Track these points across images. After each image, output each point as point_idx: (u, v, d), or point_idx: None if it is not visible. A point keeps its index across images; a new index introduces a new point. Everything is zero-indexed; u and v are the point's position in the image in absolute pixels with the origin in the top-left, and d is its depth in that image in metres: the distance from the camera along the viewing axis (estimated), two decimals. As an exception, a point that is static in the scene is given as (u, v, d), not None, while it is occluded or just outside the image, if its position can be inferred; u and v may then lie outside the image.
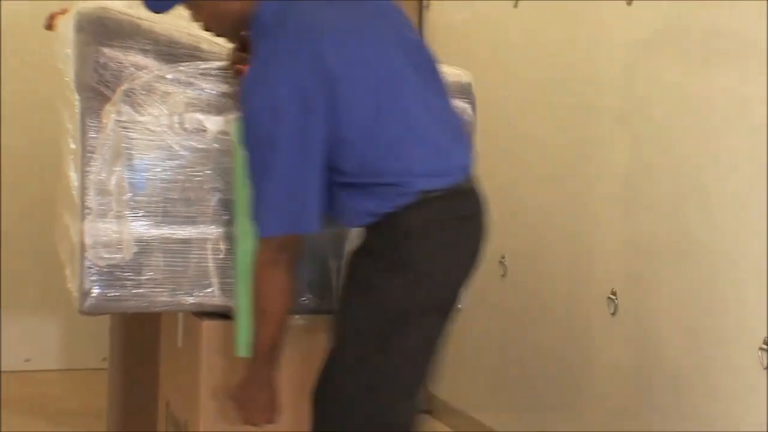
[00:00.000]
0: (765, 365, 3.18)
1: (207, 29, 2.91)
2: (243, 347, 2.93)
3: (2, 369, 5.12)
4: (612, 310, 3.80)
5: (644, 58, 3.71)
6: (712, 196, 3.41)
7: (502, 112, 4.28)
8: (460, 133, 2.86)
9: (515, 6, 4.32)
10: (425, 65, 2.83)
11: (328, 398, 2.78)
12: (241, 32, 2.85)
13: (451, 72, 3.30)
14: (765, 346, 3.19)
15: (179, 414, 3.27)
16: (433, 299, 2.74)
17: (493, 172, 4.23)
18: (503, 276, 4.40)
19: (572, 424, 4.02)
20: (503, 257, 4.39)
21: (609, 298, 3.81)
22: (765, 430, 3.13)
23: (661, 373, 3.61)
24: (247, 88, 2.70)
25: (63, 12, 3.38)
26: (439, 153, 2.73)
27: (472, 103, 3.32)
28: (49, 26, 3.52)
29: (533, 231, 4.26)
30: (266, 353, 2.80)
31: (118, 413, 3.99)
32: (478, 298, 3.94)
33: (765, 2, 3.13)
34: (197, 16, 2.88)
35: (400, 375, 2.77)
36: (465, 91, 3.31)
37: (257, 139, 2.66)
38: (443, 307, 2.79)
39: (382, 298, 2.71)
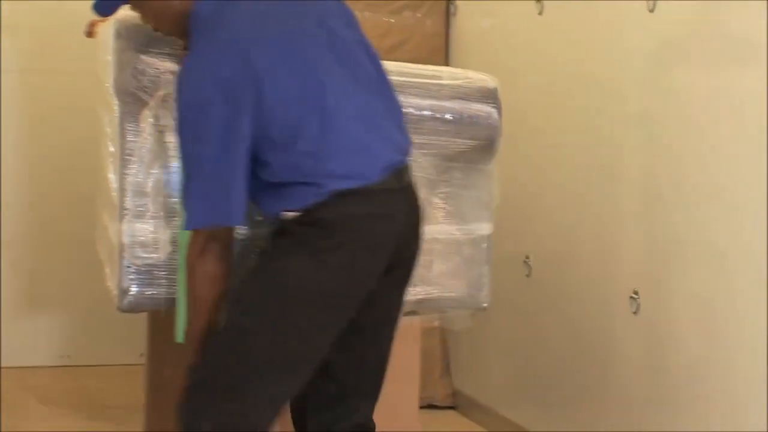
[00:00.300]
0: (784, 364, 3.17)
1: (156, 30, 2.91)
2: (180, 334, 2.96)
3: (41, 365, 5.13)
4: (634, 309, 3.79)
5: (666, 62, 3.69)
6: (732, 197, 3.39)
7: (527, 116, 4.27)
8: (390, 132, 2.80)
9: (540, 13, 4.31)
10: (359, 65, 2.79)
11: (201, 365, 2.77)
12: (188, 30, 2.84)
13: (477, 77, 3.30)
14: (784, 345, 3.18)
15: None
16: (333, 294, 2.70)
17: (517, 174, 4.24)
18: (528, 276, 4.39)
19: (595, 420, 4.00)
20: (528, 257, 4.38)
21: (631, 297, 3.80)
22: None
23: (681, 370, 3.59)
24: (178, 83, 2.71)
25: (103, 20, 3.38)
26: (360, 153, 2.70)
27: (498, 108, 3.31)
28: (89, 33, 3.51)
29: (557, 232, 4.24)
30: (199, 340, 2.78)
31: (155, 407, 3.99)
32: (504, 297, 3.94)
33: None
34: (144, 17, 2.89)
35: (281, 354, 2.71)
36: (491, 96, 3.30)
37: (186, 133, 2.67)
38: (344, 305, 2.73)
39: (281, 280, 2.69)
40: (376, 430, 2.93)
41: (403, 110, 2.94)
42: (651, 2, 3.69)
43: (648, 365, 3.75)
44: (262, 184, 2.69)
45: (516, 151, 3.90)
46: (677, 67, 3.65)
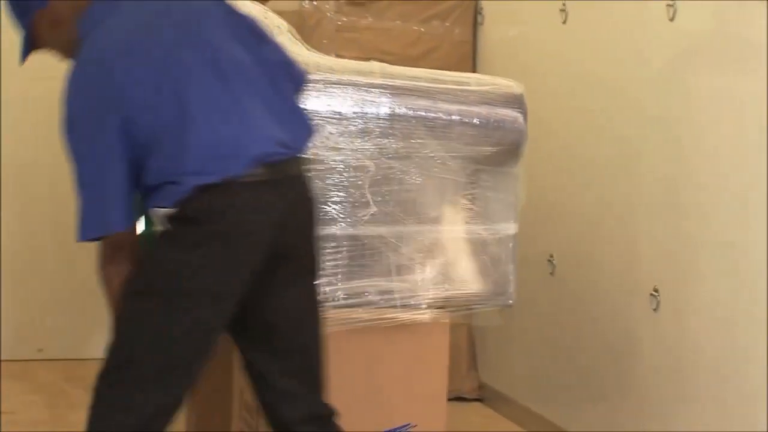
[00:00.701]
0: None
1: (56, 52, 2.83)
2: None
3: (85, 357, 5.12)
4: (654, 306, 3.77)
5: (685, 68, 3.68)
6: (749, 199, 3.38)
7: (552, 120, 4.26)
8: (266, 128, 2.71)
9: (564, 22, 4.30)
10: (235, 64, 2.71)
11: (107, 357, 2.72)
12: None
13: (503, 83, 3.30)
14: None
15: (253, 400, 3.27)
16: (204, 288, 2.64)
17: (542, 176, 4.23)
18: (551, 274, 4.38)
19: (615, 413, 3.99)
20: (552, 256, 4.37)
21: (651, 294, 3.78)
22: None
23: (699, 367, 3.57)
24: (61, 98, 2.69)
25: None
26: (222, 149, 2.64)
27: (524, 113, 3.31)
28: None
29: (580, 231, 4.24)
30: None
31: (197, 399, 4.00)
32: (528, 295, 3.93)
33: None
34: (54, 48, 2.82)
35: (159, 358, 2.66)
36: (517, 102, 3.30)
37: (67, 147, 2.66)
38: (218, 298, 2.66)
39: (155, 279, 2.65)
40: (408, 421, 2.93)
41: (433, 115, 2.95)
42: (671, 10, 3.68)
43: (667, 360, 3.73)
44: (146, 188, 2.67)
45: (541, 154, 3.90)
46: (696, 72, 3.64)
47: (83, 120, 2.63)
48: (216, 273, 2.64)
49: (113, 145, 2.62)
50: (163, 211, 2.63)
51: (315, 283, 2.83)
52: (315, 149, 3.05)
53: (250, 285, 2.68)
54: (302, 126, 2.81)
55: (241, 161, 2.64)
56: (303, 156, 2.77)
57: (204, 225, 2.62)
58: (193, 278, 2.63)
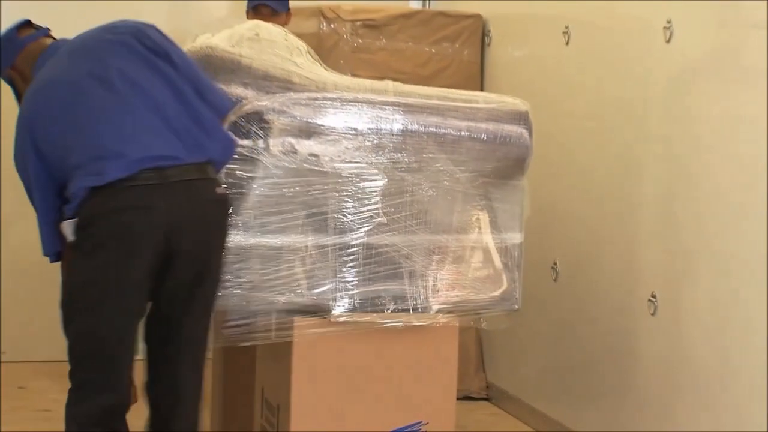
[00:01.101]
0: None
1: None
2: None
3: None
4: (652, 311, 3.78)
5: (681, 88, 3.69)
6: (744, 211, 3.38)
7: (555, 136, 4.26)
8: (161, 138, 2.84)
9: (567, 43, 4.31)
10: (136, 85, 2.85)
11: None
12: None
13: (509, 101, 3.30)
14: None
15: (273, 399, 3.30)
16: (103, 286, 2.81)
17: (547, 188, 4.24)
18: (555, 280, 4.38)
19: (614, 411, 3.99)
20: (555, 263, 4.38)
21: (649, 300, 3.79)
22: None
23: (696, 368, 3.57)
24: None
25: None
26: (109, 158, 2.78)
27: (529, 129, 3.30)
28: None
29: (582, 240, 4.24)
30: None
31: (221, 398, 4.01)
32: (533, 300, 3.94)
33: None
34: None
35: (78, 348, 2.87)
36: (522, 118, 3.29)
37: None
38: (118, 295, 2.82)
39: (72, 284, 2.88)
40: (420, 419, 2.96)
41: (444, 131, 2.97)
42: (668, 33, 3.69)
43: (664, 361, 3.73)
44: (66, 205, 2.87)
45: (545, 167, 3.90)
46: (692, 91, 3.64)
47: (18, 153, 2.88)
48: (109, 272, 2.80)
49: (38, 174, 2.84)
50: (67, 222, 2.80)
51: (207, 291, 2.95)
52: (333, 163, 3.08)
53: (152, 280, 2.84)
54: (210, 139, 2.91)
55: (123, 165, 2.77)
56: (203, 164, 2.88)
57: (94, 228, 2.78)
58: (100, 281, 2.80)
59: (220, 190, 2.93)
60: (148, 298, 2.88)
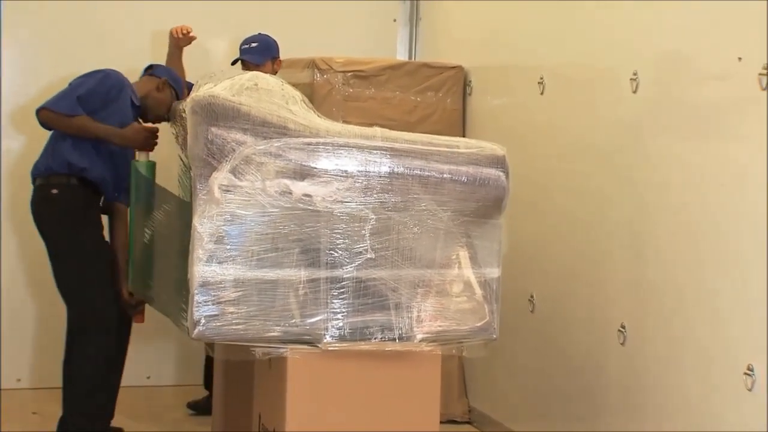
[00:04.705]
0: (749, 387, 3.15)
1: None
2: None
3: (127, 384, 5.09)
4: (621, 340, 3.77)
5: (645, 134, 3.71)
6: (702, 246, 3.39)
7: (531, 178, 4.27)
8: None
9: (542, 93, 4.33)
10: None
11: None
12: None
13: (488, 146, 3.30)
14: (749, 372, 3.16)
15: (269, 423, 3.28)
16: None
17: (523, 226, 4.24)
18: (532, 312, 4.38)
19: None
20: (532, 296, 4.38)
21: (619, 330, 3.78)
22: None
23: (662, 394, 3.57)
24: None
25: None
26: None
27: (506, 172, 3.29)
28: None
29: (556, 275, 4.24)
30: None
31: (221, 423, 4.00)
32: (512, 329, 3.92)
33: (762, 76, 3.12)
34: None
35: None
36: (500, 162, 3.29)
37: None
38: None
39: None
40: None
41: (427, 173, 3.01)
42: (634, 83, 3.71)
43: (633, 388, 3.72)
44: None
45: (521, 207, 3.90)
46: (656, 137, 3.66)
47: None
48: None
49: None
50: None
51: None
52: (325, 202, 3.08)
53: None
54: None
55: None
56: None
57: None
58: None
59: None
60: None
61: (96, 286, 4.01)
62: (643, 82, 3.68)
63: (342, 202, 3.11)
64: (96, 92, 4.01)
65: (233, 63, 4.59)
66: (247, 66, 4.48)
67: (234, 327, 3.06)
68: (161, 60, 4.53)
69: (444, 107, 4.86)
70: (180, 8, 5.09)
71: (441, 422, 3.37)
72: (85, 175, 4.04)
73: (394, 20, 5.46)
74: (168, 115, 3.84)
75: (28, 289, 5.03)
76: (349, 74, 4.72)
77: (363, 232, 3.12)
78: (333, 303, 3.09)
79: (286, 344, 3.11)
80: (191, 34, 4.48)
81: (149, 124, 4.15)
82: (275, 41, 4.64)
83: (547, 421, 4.28)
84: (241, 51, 4.58)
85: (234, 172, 3.04)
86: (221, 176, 3.04)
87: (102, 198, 4.14)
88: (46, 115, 4.00)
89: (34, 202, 4.10)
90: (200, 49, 4.79)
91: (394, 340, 3.14)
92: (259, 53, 4.54)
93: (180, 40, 4.49)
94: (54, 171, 4.04)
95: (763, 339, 3.11)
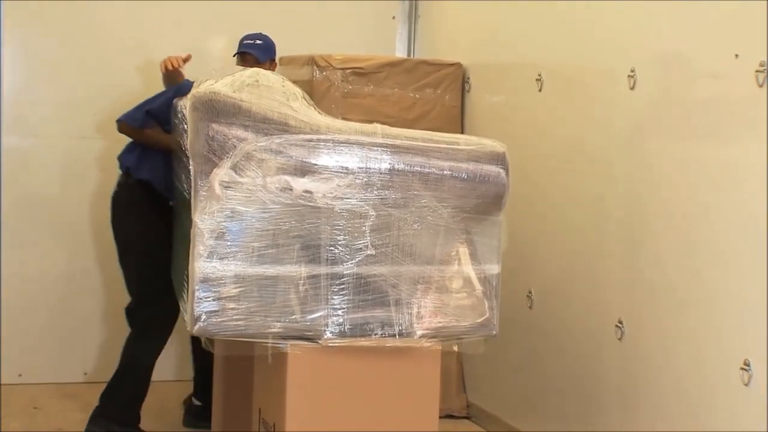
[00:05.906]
0: (745, 382, 3.14)
1: None
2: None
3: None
4: (619, 336, 3.77)
5: (642, 132, 3.70)
6: (697, 244, 3.39)
7: (530, 175, 4.27)
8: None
9: (540, 90, 4.33)
10: None
11: None
12: None
13: (488, 143, 3.29)
14: (745, 367, 3.15)
15: (269, 418, 3.27)
16: None
17: (523, 223, 4.24)
18: (530, 308, 4.37)
19: (585, 426, 3.97)
20: (530, 292, 4.37)
21: (617, 325, 3.78)
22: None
23: (659, 388, 3.56)
24: None
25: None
26: None
27: (506, 169, 3.28)
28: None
29: (555, 271, 4.24)
30: None
31: (222, 417, 3.99)
32: (510, 325, 3.92)
33: (758, 73, 3.11)
34: None
35: None
36: (500, 159, 3.28)
37: None
38: None
39: None
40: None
41: (427, 170, 3.00)
42: (632, 80, 3.71)
43: (630, 383, 3.72)
44: None
45: (521, 204, 3.90)
46: (653, 135, 3.66)
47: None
48: None
49: None
50: None
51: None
52: (325, 199, 3.07)
53: None
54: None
55: None
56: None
57: None
58: None
59: None
60: None
61: None
62: (641, 79, 3.68)
63: (342, 198, 3.10)
64: (164, 105, 4.03)
65: (235, 55, 4.56)
66: (244, 61, 4.45)
67: (235, 323, 3.05)
68: (158, 59, 4.50)
69: (442, 104, 4.85)
70: (180, 8, 5.07)
71: (440, 417, 3.36)
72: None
73: (393, 17, 5.46)
74: None
75: (28, 284, 5.00)
76: (348, 71, 4.71)
77: (363, 228, 3.11)
78: (333, 299, 3.08)
79: (286, 340, 3.10)
80: (180, 68, 4.35)
81: None
82: (275, 44, 4.63)
83: (545, 415, 4.28)
84: (245, 45, 4.54)
85: (235, 168, 3.03)
86: (222, 173, 3.03)
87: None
88: (120, 126, 4.28)
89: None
90: (200, 49, 4.76)
91: (394, 336, 3.13)
92: (263, 51, 4.52)
93: (168, 74, 4.35)
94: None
95: (760, 334, 3.10)
